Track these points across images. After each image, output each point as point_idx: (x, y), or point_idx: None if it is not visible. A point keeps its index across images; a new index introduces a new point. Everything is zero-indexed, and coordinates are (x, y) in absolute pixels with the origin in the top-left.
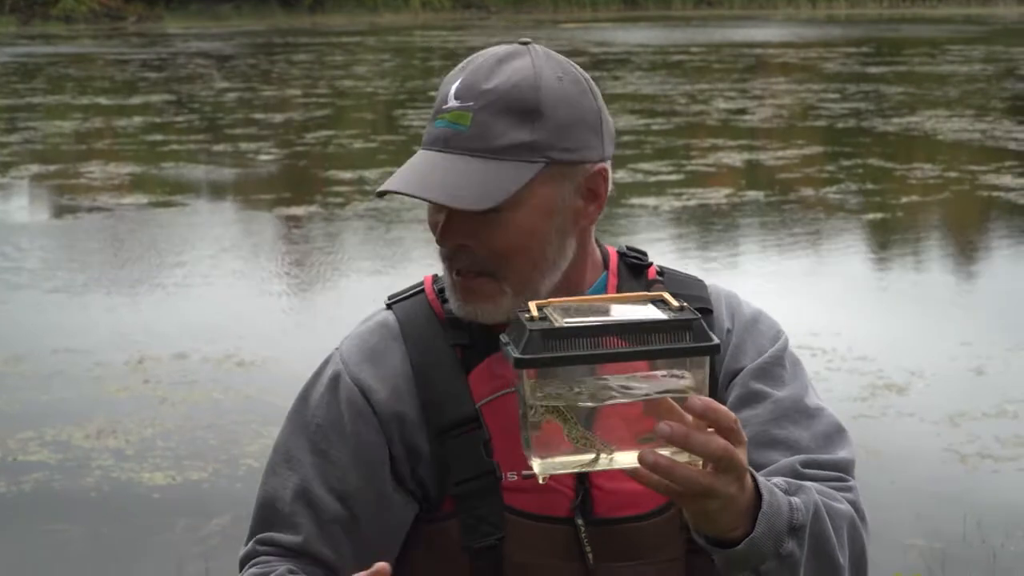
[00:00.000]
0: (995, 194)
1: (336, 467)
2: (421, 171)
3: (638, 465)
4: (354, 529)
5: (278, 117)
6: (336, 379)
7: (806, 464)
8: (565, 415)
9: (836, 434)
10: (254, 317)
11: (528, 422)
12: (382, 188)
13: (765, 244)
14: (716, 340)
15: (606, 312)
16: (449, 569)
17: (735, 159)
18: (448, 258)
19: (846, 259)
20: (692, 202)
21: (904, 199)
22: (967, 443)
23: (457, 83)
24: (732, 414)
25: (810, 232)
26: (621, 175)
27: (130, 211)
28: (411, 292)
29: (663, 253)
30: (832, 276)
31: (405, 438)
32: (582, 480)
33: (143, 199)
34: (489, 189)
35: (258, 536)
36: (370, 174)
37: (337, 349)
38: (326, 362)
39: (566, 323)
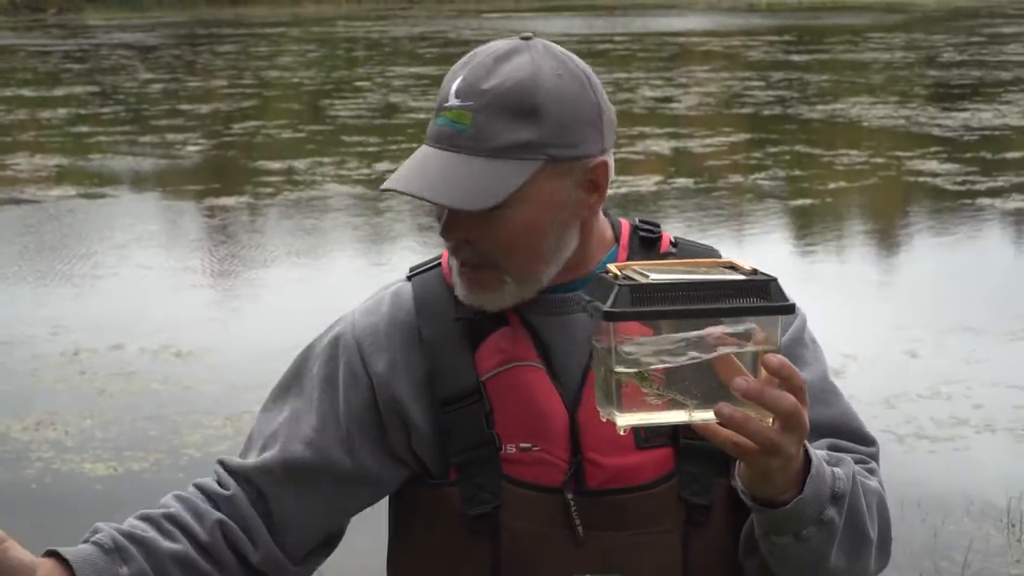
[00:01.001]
0: (921, 179)
1: (317, 418)
2: (423, 170)
3: (712, 420)
4: (307, 481)
5: (204, 108)
6: (338, 339)
7: (834, 447)
8: (643, 374)
9: (855, 411)
10: (188, 308)
11: (612, 379)
12: (385, 186)
13: (697, 230)
14: (793, 301)
15: (683, 274)
16: (448, 535)
17: (663, 147)
18: (452, 250)
19: (776, 245)
20: (623, 189)
21: (831, 185)
22: (903, 424)
23: (458, 81)
24: (802, 375)
25: (740, 218)
26: None
27: (58, 203)
28: (429, 265)
29: None
30: (762, 262)
31: (401, 409)
32: (575, 453)
33: (71, 191)
34: (490, 188)
35: (220, 458)
36: (299, 164)
37: (348, 314)
38: (335, 323)
39: (654, 279)
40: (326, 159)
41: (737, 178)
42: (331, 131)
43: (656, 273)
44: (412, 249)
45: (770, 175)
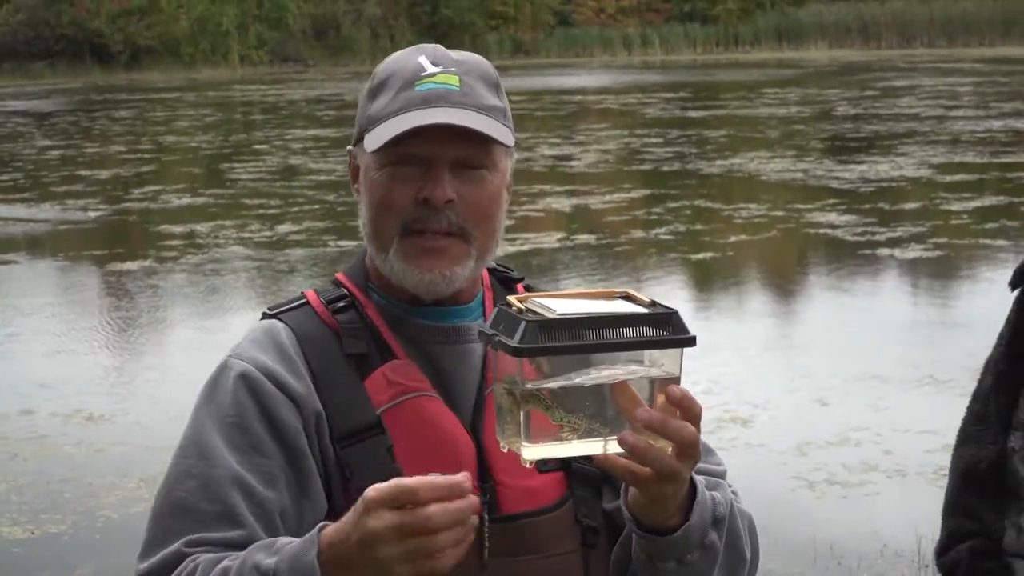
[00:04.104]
0: (821, 231)
1: (264, 457)
2: (436, 115)
3: (614, 450)
4: (289, 519)
5: (103, 173)
6: (244, 376)
7: (697, 472)
8: (546, 403)
9: (709, 445)
10: (96, 372)
11: (519, 410)
12: (409, 126)
13: (601, 285)
14: (693, 333)
15: (584, 307)
16: None
17: (564, 204)
18: (425, 219)
19: (679, 298)
20: (526, 247)
21: (732, 238)
22: (815, 471)
23: (423, 56)
24: (700, 404)
25: (642, 273)
26: None
27: None
28: (293, 304)
29: None
30: None
31: (319, 435)
32: (486, 479)
33: None
34: (499, 131)
35: (186, 538)
36: (200, 227)
37: (229, 356)
38: (221, 368)
39: (560, 315)
40: (228, 222)
41: (638, 233)
42: (232, 194)
43: (559, 307)
44: None
45: (671, 229)
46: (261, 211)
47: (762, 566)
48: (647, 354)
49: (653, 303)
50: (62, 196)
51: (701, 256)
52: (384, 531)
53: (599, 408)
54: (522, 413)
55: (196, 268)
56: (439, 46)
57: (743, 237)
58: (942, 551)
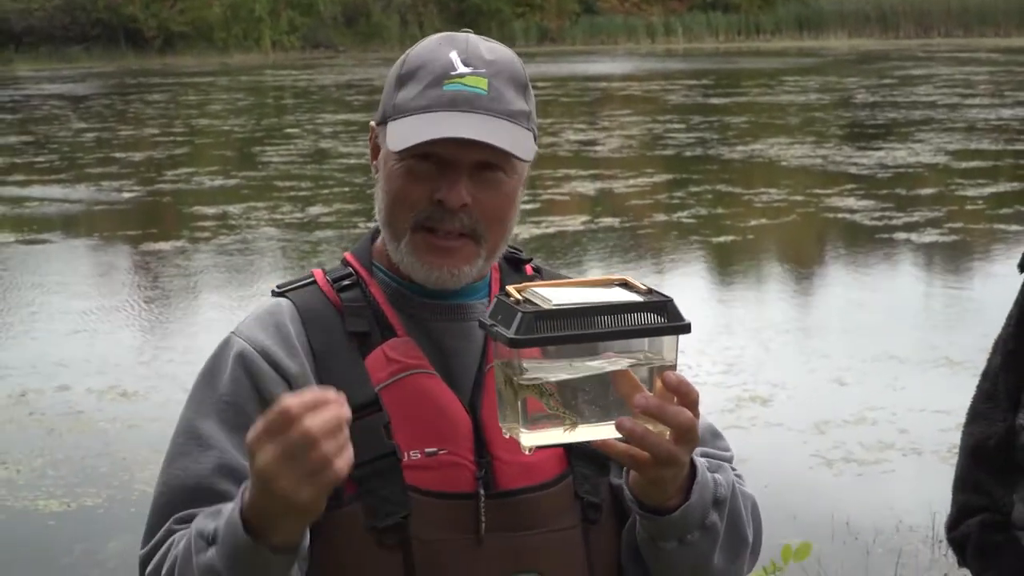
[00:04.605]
0: (839, 216)
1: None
2: (460, 125)
3: (612, 435)
4: None
5: (138, 155)
6: (241, 355)
7: (704, 455)
8: (544, 391)
9: (717, 430)
10: (130, 350)
11: (516, 398)
12: (431, 136)
13: (622, 267)
14: (688, 320)
15: (581, 296)
16: (355, 554)
17: (589, 188)
18: (438, 219)
19: (700, 281)
20: (551, 229)
21: (752, 222)
22: (833, 449)
23: (455, 52)
24: (697, 390)
25: (664, 255)
26: None
27: None
28: (302, 282)
29: None
30: (691, 297)
31: None
32: (483, 454)
33: (10, 238)
34: (520, 144)
35: (175, 516)
36: (233, 209)
37: (232, 333)
38: (224, 344)
39: (556, 305)
40: (259, 204)
41: (660, 217)
42: (263, 176)
43: (557, 296)
44: None
45: (692, 213)
46: (292, 193)
47: (779, 540)
48: (644, 341)
49: (650, 291)
50: (97, 177)
51: (722, 239)
52: (273, 462)
53: (599, 394)
54: (519, 401)
55: (228, 248)
56: (471, 37)
57: (763, 221)
58: (952, 526)
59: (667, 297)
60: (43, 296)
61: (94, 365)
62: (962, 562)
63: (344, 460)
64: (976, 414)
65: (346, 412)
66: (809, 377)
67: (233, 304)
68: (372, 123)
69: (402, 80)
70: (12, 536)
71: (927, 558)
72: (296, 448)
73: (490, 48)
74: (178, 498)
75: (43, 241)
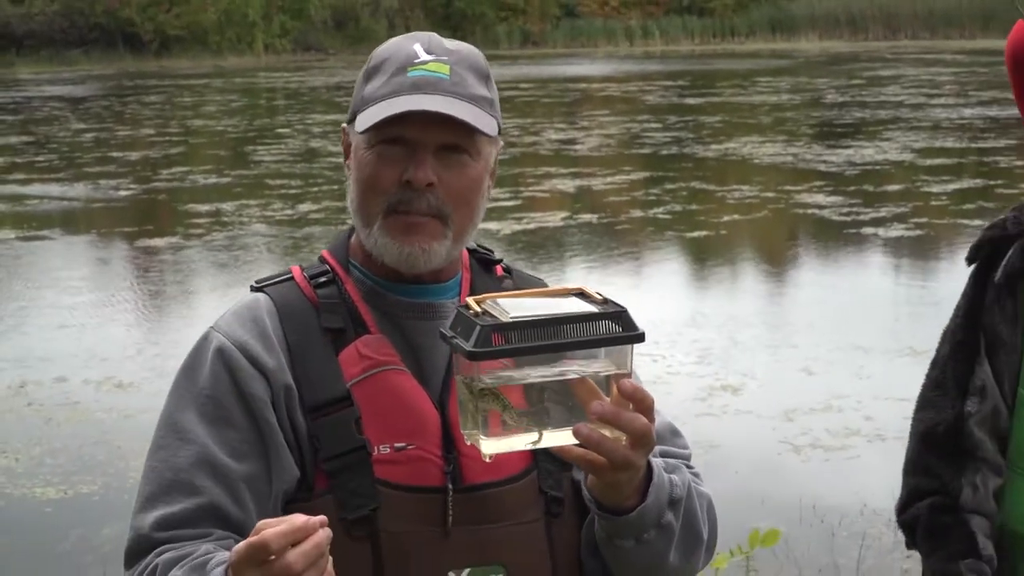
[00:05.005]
0: (809, 211)
1: (234, 429)
2: (424, 102)
3: (570, 441)
4: (260, 486)
5: (134, 155)
6: (220, 350)
7: (663, 454)
8: (503, 401)
9: (676, 428)
10: (126, 342)
11: (476, 409)
12: (397, 110)
13: (601, 261)
14: (642, 330)
15: (538, 307)
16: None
17: (568, 185)
18: (408, 201)
19: (675, 274)
20: (532, 225)
21: (726, 217)
22: (800, 435)
23: (418, 44)
24: (652, 396)
25: (641, 250)
26: None
27: None
28: (279, 278)
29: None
30: (665, 289)
31: (289, 407)
32: (450, 449)
33: (10, 234)
34: (483, 121)
35: (155, 518)
36: (225, 206)
37: (212, 328)
38: (203, 339)
39: (513, 318)
40: (251, 201)
41: (637, 213)
42: (255, 175)
43: (515, 308)
44: None
45: (668, 210)
46: (283, 191)
47: (748, 524)
48: (600, 350)
49: (606, 300)
50: (95, 176)
51: (696, 234)
52: None
53: (557, 401)
54: (480, 413)
55: (221, 244)
56: (434, 35)
57: (736, 217)
58: (903, 508)
59: (621, 307)
60: (41, 290)
61: (91, 357)
62: (911, 543)
63: None
64: (926, 402)
65: (327, 535)
66: (778, 367)
67: (225, 297)
68: (344, 125)
69: (368, 75)
70: (10, 522)
71: (890, 540)
72: None
73: (452, 42)
74: (159, 489)
75: (42, 237)
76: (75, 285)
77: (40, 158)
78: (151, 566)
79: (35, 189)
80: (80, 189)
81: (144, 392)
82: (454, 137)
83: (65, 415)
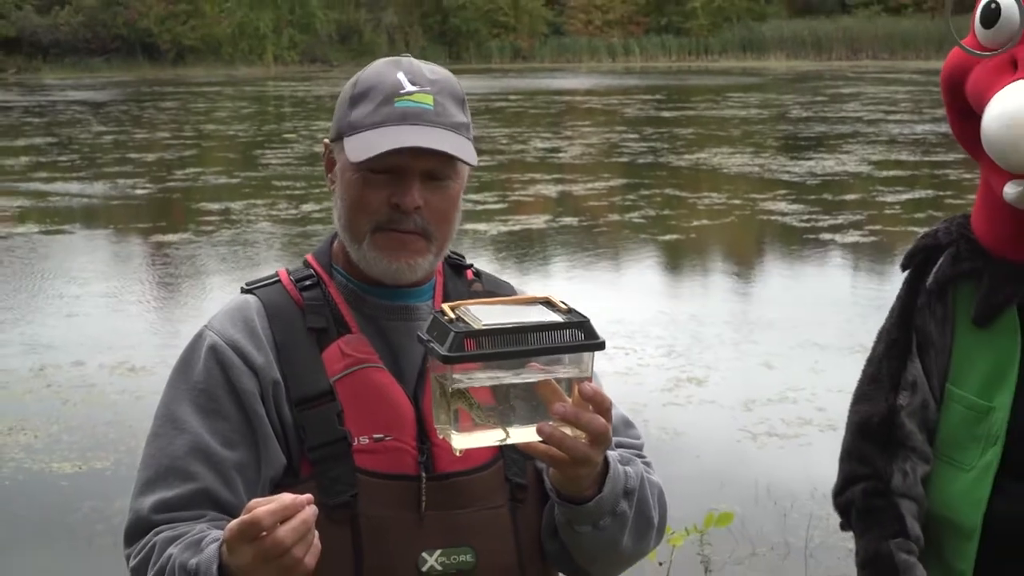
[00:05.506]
0: (773, 218)
1: (225, 420)
2: (413, 136)
3: (535, 438)
4: (249, 473)
5: (150, 156)
6: (213, 348)
7: (618, 444)
8: (471, 400)
9: (629, 420)
10: (139, 330)
11: (448, 407)
12: (390, 147)
13: (581, 260)
14: (603, 339)
15: (507, 314)
16: None
17: (552, 190)
18: (396, 221)
19: (648, 274)
20: (517, 227)
21: (696, 223)
22: (758, 424)
23: (401, 74)
24: (610, 399)
25: (618, 250)
26: None
27: (21, 240)
28: (267, 281)
29: (500, 272)
30: (639, 288)
31: (277, 400)
32: (424, 440)
33: (34, 228)
34: (465, 151)
35: (153, 501)
36: (234, 205)
37: (205, 327)
38: (197, 337)
39: (485, 325)
40: (258, 201)
41: (615, 217)
42: (263, 176)
43: (487, 315)
44: None
45: (643, 214)
46: (288, 192)
47: (708, 505)
48: (564, 356)
49: (570, 310)
50: (114, 175)
51: (669, 237)
52: (250, 563)
53: (523, 402)
54: (452, 410)
55: (230, 240)
56: (414, 60)
57: (705, 222)
58: (839, 492)
59: (584, 317)
60: (62, 281)
61: (106, 343)
62: (846, 525)
63: (313, 556)
64: (862, 395)
65: (313, 512)
66: (740, 361)
67: (233, 290)
68: (326, 140)
69: (355, 100)
70: (29, 494)
71: (836, 521)
72: (269, 553)
73: (431, 69)
74: (156, 474)
75: (64, 232)
76: (93, 276)
77: (63, 158)
78: (149, 544)
79: (58, 187)
80: (99, 187)
81: (155, 376)
82: (439, 164)
83: (81, 396)
